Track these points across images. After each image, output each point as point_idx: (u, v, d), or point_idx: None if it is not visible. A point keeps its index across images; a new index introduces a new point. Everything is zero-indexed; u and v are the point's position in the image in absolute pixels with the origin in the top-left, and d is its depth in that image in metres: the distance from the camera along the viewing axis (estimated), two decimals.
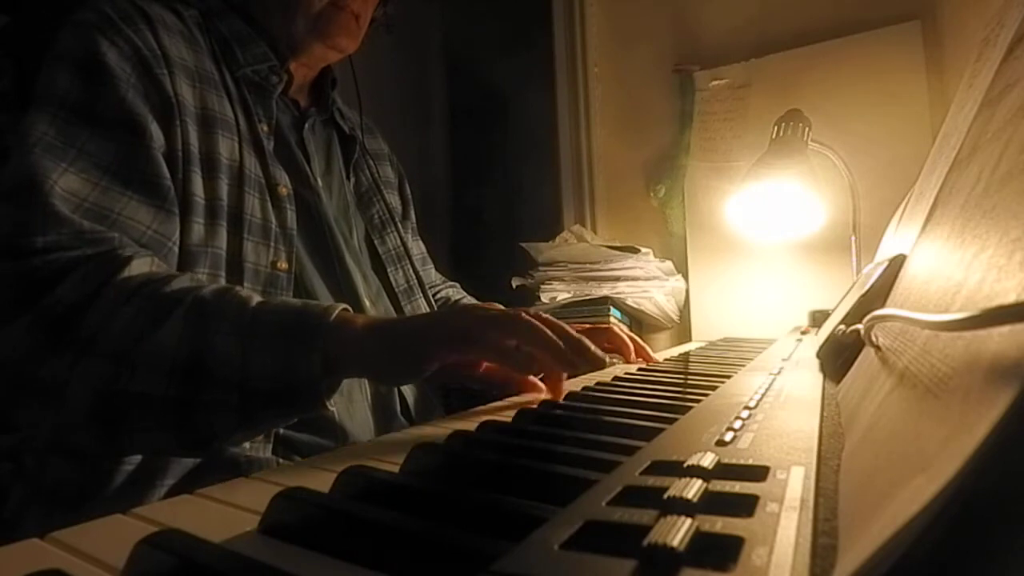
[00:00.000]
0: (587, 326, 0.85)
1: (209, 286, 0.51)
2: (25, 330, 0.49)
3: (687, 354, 0.89)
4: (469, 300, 0.99)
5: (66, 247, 0.50)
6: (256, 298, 0.50)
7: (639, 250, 1.25)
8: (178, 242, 0.58)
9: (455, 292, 1.00)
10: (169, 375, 0.47)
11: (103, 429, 0.49)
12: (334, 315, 0.48)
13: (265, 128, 0.69)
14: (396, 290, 0.81)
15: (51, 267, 0.49)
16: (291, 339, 0.47)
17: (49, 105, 0.56)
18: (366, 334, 0.48)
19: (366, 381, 0.69)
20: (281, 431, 0.60)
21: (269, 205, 0.65)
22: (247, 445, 0.57)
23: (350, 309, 0.51)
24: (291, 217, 0.67)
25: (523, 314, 0.48)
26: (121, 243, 0.53)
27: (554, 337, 0.47)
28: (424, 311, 0.82)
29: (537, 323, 0.47)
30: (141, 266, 0.52)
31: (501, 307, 0.54)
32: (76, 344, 0.48)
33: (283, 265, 0.64)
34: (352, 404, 0.67)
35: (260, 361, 0.47)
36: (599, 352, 0.49)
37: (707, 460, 0.22)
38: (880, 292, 0.48)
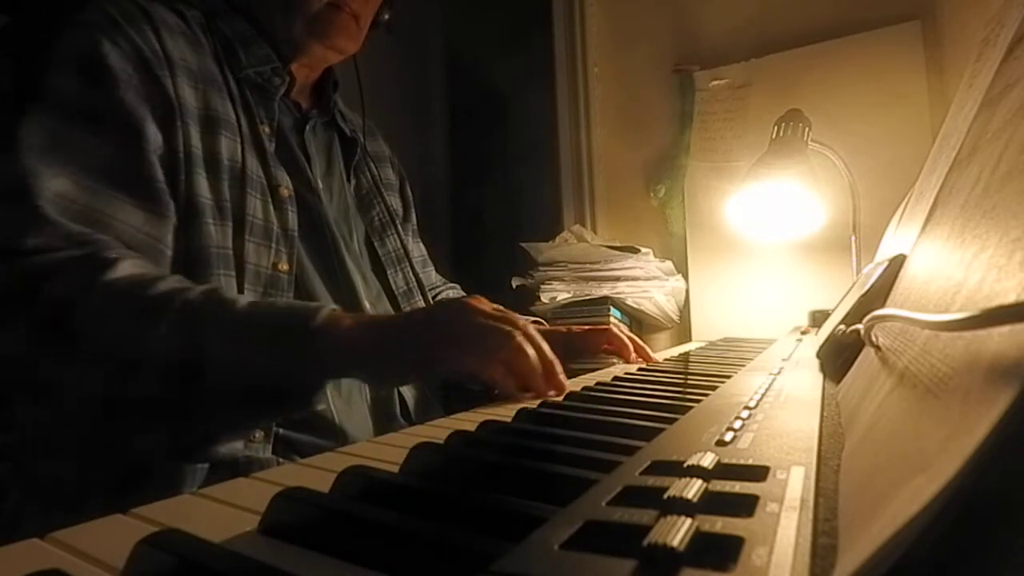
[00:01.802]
0: (587, 327, 0.85)
1: (196, 288, 0.52)
2: (18, 330, 0.49)
3: (687, 354, 0.89)
4: None
5: (54, 248, 0.50)
6: (243, 300, 0.51)
7: (639, 250, 1.25)
8: (171, 244, 0.58)
9: (455, 293, 1.00)
10: (162, 378, 0.47)
11: (98, 429, 0.49)
12: (321, 316, 0.48)
13: (267, 129, 0.69)
14: (396, 292, 0.81)
15: (39, 268, 0.49)
16: (281, 341, 0.48)
17: (45, 106, 0.55)
18: (356, 334, 0.49)
19: None
20: (280, 431, 0.60)
21: (271, 206, 0.65)
22: (240, 445, 0.57)
23: (338, 309, 0.51)
24: (292, 218, 0.67)
25: (516, 330, 0.49)
26: (109, 245, 0.53)
27: (535, 363, 0.48)
28: None
29: (525, 347, 0.48)
30: (128, 267, 0.51)
31: (493, 307, 0.54)
32: (68, 345, 0.48)
33: (284, 266, 0.64)
34: (351, 405, 0.67)
35: (252, 364, 0.47)
36: (563, 382, 0.50)
37: (707, 460, 0.22)
38: (880, 292, 0.48)
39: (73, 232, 0.52)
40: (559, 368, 0.50)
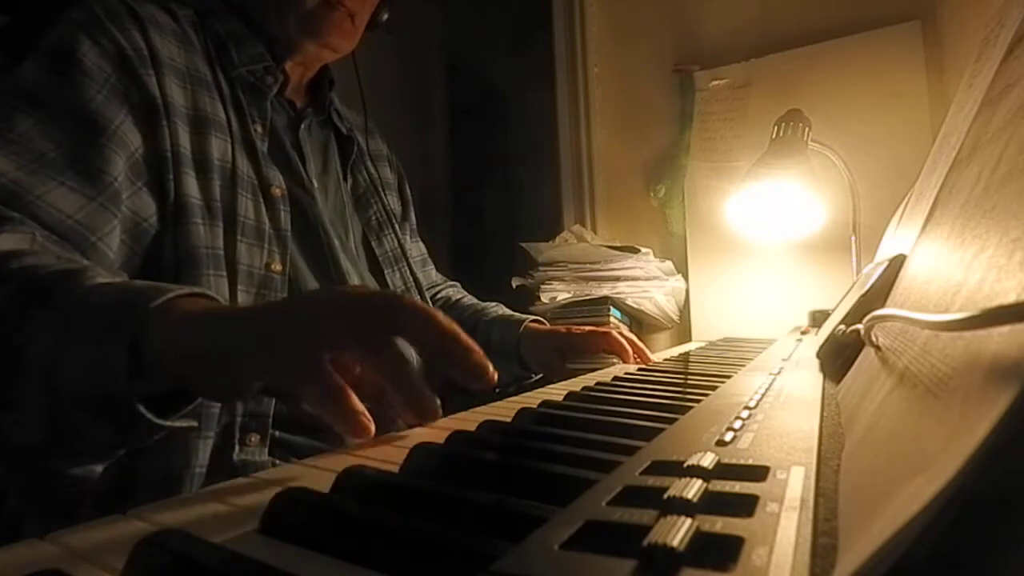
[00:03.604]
0: (587, 328, 0.85)
1: (63, 264, 0.43)
2: None
3: (687, 354, 0.89)
4: (469, 300, 0.99)
5: None
6: (102, 278, 0.41)
7: (639, 250, 1.25)
8: (110, 241, 0.55)
9: (455, 292, 1.00)
10: None
11: None
12: (164, 298, 0.37)
13: (259, 129, 0.69)
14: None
15: None
16: (102, 326, 0.37)
17: (4, 92, 0.55)
18: (186, 325, 0.37)
19: None
20: (277, 433, 0.60)
21: (262, 206, 0.65)
22: (237, 450, 0.57)
23: (207, 294, 0.41)
24: (285, 218, 0.66)
25: (384, 307, 0.35)
26: (6, 219, 0.48)
27: (405, 374, 0.34)
28: None
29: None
30: (9, 241, 0.44)
31: (366, 292, 0.37)
32: None
33: (277, 267, 0.64)
34: None
35: (68, 355, 0.37)
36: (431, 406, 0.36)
37: (707, 460, 0.22)
38: (880, 292, 0.48)
39: None
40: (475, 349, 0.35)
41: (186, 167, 0.60)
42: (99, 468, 0.49)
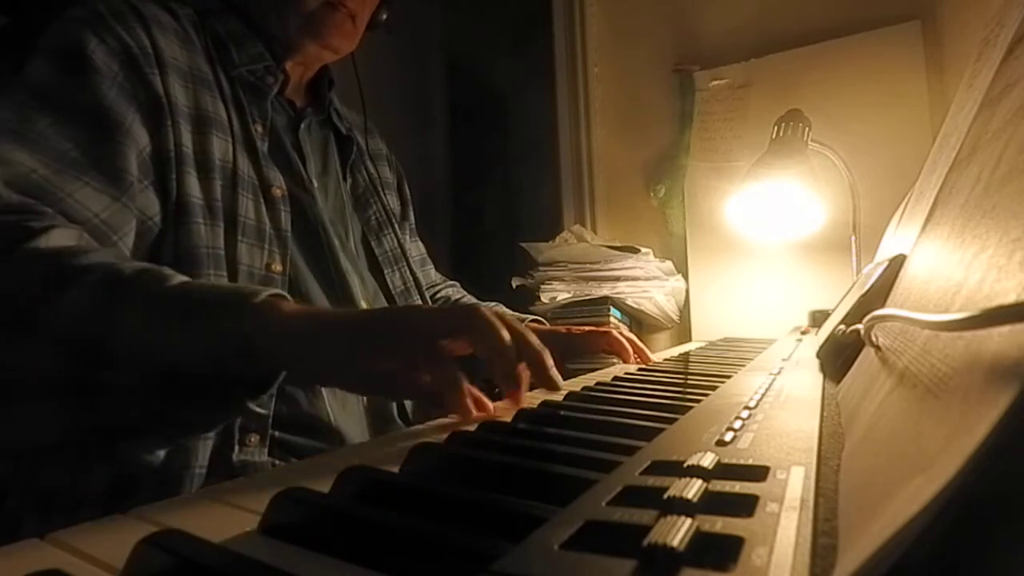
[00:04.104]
0: (587, 328, 0.85)
1: (133, 263, 0.47)
2: None
3: (687, 354, 0.89)
4: (469, 299, 0.99)
5: None
6: (181, 277, 0.46)
7: (639, 250, 1.25)
8: (128, 241, 0.56)
9: (455, 291, 1.00)
10: (64, 347, 0.42)
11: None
12: (262, 296, 0.42)
13: (259, 129, 0.69)
14: (393, 292, 0.80)
15: None
16: (206, 318, 0.41)
17: (16, 92, 0.55)
18: (293, 322, 0.42)
19: None
20: (276, 433, 0.60)
21: (263, 206, 0.65)
22: (237, 450, 0.57)
23: (288, 297, 0.45)
24: (285, 218, 0.66)
25: (480, 311, 0.42)
26: (48, 216, 0.50)
27: (507, 344, 0.41)
28: None
29: (495, 324, 0.42)
30: (61, 237, 0.47)
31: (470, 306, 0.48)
32: None
33: (277, 267, 0.64)
34: (346, 407, 0.66)
35: (169, 341, 0.41)
36: (556, 378, 0.44)
37: (707, 460, 0.22)
38: (880, 292, 0.48)
39: (13, 202, 0.49)
40: (549, 361, 0.44)
41: (188, 167, 0.60)
42: (162, 453, 0.52)
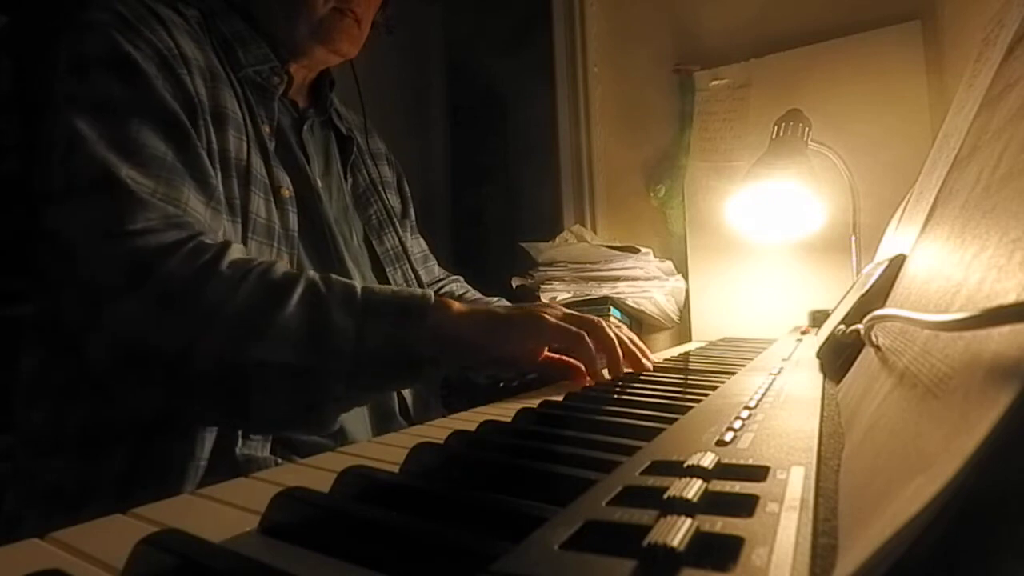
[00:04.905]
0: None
1: (311, 272, 0.57)
2: (137, 304, 0.51)
3: (687, 354, 0.89)
4: (473, 294, 0.99)
5: (157, 230, 0.52)
6: (357, 283, 0.57)
7: (639, 250, 1.25)
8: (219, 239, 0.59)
9: (459, 287, 1.00)
10: (294, 346, 0.51)
11: (225, 397, 0.52)
12: (434, 297, 0.55)
13: (267, 129, 0.69)
14: None
15: (149, 247, 0.52)
16: (401, 312, 0.54)
17: (90, 106, 0.55)
18: (463, 317, 0.55)
19: None
20: None
21: (273, 205, 0.65)
22: (240, 444, 0.57)
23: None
24: (293, 219, 0.67)
25: (605, 327, 0.62)
26: (198, 228, 0.55)
27: (617, 348, 0.61)
28: None
29: (613, 336, 0.61)
30: (237, 251, 0.55)
31: (565, 311, 0.63)
32: (195, 316, 0.51)
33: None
34: None
35: (373, 332, 0.52)
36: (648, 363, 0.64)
37: (707, 460, 0.22)
38: (880, 292, 0.48)
39: (170, 213, 0.54)
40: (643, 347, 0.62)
41: (214, 163, 0.61)
42: (198, 442, 0.57)
